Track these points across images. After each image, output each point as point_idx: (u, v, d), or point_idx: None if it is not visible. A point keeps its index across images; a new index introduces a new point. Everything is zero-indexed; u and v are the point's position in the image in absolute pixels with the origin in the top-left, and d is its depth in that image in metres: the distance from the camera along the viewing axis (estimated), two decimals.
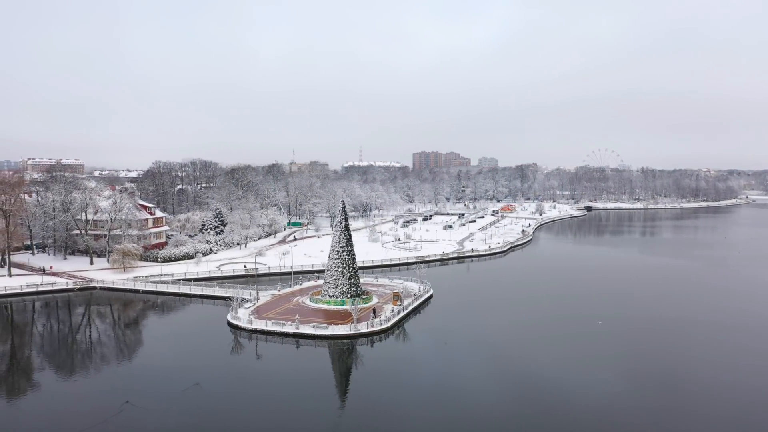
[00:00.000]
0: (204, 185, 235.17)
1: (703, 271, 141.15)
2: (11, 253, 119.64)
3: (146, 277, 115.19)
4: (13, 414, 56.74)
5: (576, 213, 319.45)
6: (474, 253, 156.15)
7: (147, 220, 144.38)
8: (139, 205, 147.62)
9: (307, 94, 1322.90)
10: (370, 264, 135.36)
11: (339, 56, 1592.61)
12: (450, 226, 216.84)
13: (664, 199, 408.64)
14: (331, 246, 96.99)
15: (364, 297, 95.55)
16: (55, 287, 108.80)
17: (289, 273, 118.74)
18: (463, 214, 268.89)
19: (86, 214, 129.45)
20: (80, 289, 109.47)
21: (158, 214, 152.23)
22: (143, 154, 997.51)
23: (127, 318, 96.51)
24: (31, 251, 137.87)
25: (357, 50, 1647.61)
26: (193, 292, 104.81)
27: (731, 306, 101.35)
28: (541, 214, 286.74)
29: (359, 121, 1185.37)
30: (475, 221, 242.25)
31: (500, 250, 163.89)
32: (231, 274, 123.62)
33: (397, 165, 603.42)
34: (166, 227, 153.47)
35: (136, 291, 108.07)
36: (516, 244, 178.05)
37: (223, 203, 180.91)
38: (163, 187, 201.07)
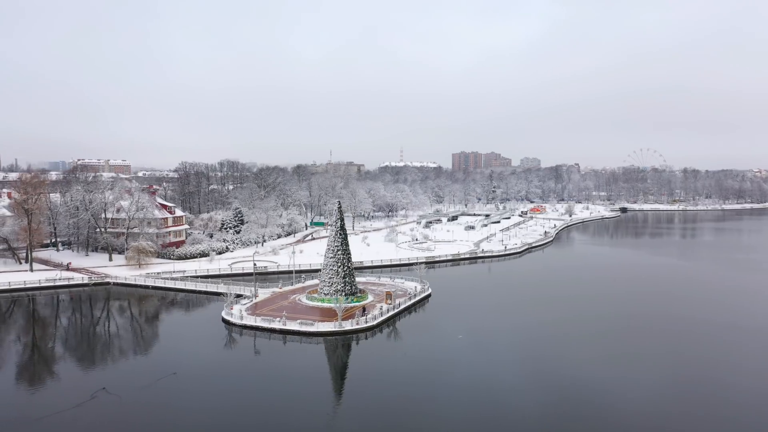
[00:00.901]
0: (231, 185, 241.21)
1: (733, 274, 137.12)
2: (36, 249, 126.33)
3: (158, 273, 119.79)
4: None
5: (608, 214, 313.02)
6: (486, 254, 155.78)
7: (166, 218, 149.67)
8: (160, 204, 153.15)
9: (348, 95, 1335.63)
10: (379, 264, 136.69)
11: (380, 57, 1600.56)
12: (472, 227, 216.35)
13: (705, 201, 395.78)
14: (327, 245, 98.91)
15: (359, 295, 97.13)
16: (71, 282, 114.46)
17: (300, 271, 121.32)
18: (489, 215, 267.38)
19: (105, 213, 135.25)
20: (95, 284, 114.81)
21: (178, 213, 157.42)
22: (188, 154, 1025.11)
23: (130, 312, 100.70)
24: (55, 248, 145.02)
25: (397, 51, 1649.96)
26: (197, 288, 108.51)
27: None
28: (570, 216, 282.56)
29: (400, 122, 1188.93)
30: (499, 222, 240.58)
31: (515, 251, 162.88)
32: (240, 271, 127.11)
33: (433, 165, 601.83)
34: (185, 226, 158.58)
35: (146, 287, 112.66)
36: (534, 245, 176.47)
37: (245, 203, 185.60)
38: (189, 186, 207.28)
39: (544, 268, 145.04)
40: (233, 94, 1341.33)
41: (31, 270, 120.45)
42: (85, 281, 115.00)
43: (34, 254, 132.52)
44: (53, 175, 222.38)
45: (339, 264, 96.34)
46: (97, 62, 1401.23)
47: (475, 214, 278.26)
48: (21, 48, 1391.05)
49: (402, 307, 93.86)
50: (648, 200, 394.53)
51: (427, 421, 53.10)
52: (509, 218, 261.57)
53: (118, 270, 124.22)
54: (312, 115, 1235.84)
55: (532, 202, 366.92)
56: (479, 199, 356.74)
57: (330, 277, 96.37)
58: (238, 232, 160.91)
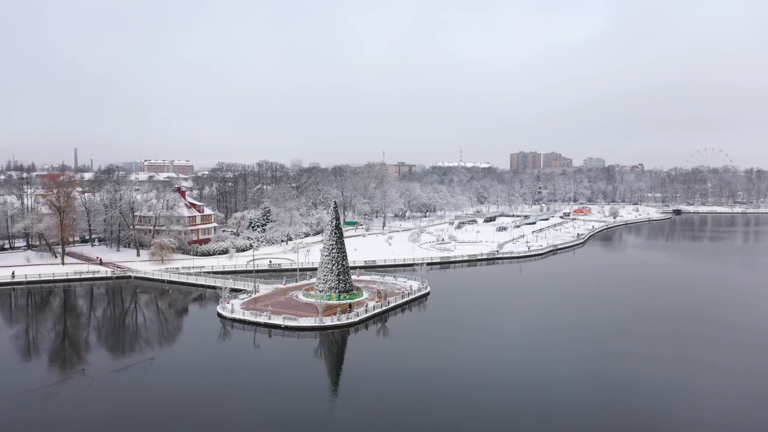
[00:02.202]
0: (269, 185, 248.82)
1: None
2: (70, 244, 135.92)
3: (177, 269, 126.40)
4: None
5: (658, 216, 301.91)
6: (505, 255, 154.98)
7: (194, 217, 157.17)
8: (189, 203, 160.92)
9: (407, 95, 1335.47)
10: (392, 263, 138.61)
11: (437, 56, 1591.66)
12: (504, 228, 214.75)
13: None
14: (323, 244, 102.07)
15: (353, 293, 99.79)
16: (96, 275, 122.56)
17: (314, 269, 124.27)
18: (528, 216, 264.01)
19: (132, 211, 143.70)
20: (117, 278, 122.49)
21: (207, 212, 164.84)
22: (250, 155, 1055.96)
23: (139, 303, 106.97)
24: (90, 243, 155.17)
25: (456, 50, 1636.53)
26: (207, 283, 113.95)
27: None
28: (615, 217, 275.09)
29: (460, 122, 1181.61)
30: (534, 223, 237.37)
31: (537, 253, 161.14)
32: (256, 268, 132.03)
33: (485, 165, 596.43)
34: (214, 224, 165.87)
35: (163, 281, 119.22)
36: (559, 247, 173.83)
37: (277, 203, 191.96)
38: (225, 186, 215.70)
39: (557, 270, 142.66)
40: (298, 95, 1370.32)
41: (63, 263, 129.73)
42: (109, 275, 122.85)
43: (70, 249, 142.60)
44: (88, 175, 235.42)
45: (333, 262, 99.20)
46: (165, 68, 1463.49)
47: (515, 215, 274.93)
48: (90, 54, 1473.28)
49: (391, 305, 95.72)
50: (706, 202, 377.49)
51: (395, 416, 55.04)
52: (547, 219, 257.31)
53: (142, 265, 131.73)
54: (371, 116, 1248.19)
55: (582, 203, 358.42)
56: (524, 200, 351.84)
57: (325, 275, 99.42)
58: (264, 231, 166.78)
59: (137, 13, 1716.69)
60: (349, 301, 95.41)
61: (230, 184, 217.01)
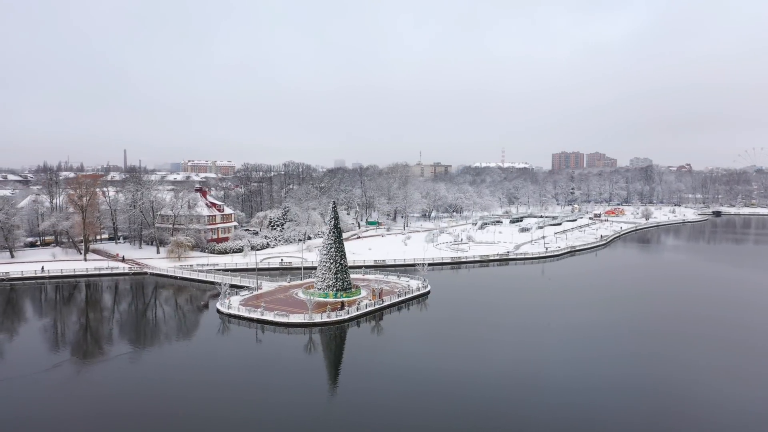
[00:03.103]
0: (298, 185, 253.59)
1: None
2: (97, 241, 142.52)
3: (191, 266, 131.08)
4: None
5: (694, 218, 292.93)
6: (518, 256, 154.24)
7: (214, 216, 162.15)
8: (210, 203, 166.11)
9: (450, 95, 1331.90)
10: (396, 263, 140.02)
11: (478, 55, 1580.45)
12: (527, 229, 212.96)
13: None
14: (322, 243, 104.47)
15: (350, 291, 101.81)
16: (114, 271, 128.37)
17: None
18: (556, 217, 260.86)
19: (153, 210, 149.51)
20: (134, 274, 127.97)
21: (227, 211, 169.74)
22: (292, 155, 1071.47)
23: (148, 297, 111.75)
24: (114, 241, 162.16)
25: (496, 49, 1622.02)
26: (215, 279, 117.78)
27: None
28: (647, 219, 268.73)
29: (503, 121, 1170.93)
30: (560, 224, 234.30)
31: (553, 254, 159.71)
32: (268, 266, 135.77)
33: (522, 166, 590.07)
34: (234, 223, 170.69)
35: (175, 277, 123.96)
36: (578, 248, 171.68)
37: (299, 202, 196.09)
38: (250, 186, 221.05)
39: (568, 272, 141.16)
40: (339, 95, 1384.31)
41: (85, 259, 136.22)
42: (126, 271, 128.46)
43: (96, 246, 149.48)
44: (114, 176, 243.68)
45: (331, 261, 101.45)
46: (208, 70, 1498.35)
47: (542, 216, 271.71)
48: (136, 58, 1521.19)
49: (385, 304, 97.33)
50: (750, 203, 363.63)
51: (377, 410, 57.04)
52: (575, 221, 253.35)
53: (160, 262, 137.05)
54: (413, 115, 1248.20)
55: (619, 204, 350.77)
56: (557, 201, 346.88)
57: (323, 273, 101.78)
58: (282, 230, 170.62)
59: (179, 17, 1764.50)
60: (342, 299, 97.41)
61: (255, 185, 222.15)
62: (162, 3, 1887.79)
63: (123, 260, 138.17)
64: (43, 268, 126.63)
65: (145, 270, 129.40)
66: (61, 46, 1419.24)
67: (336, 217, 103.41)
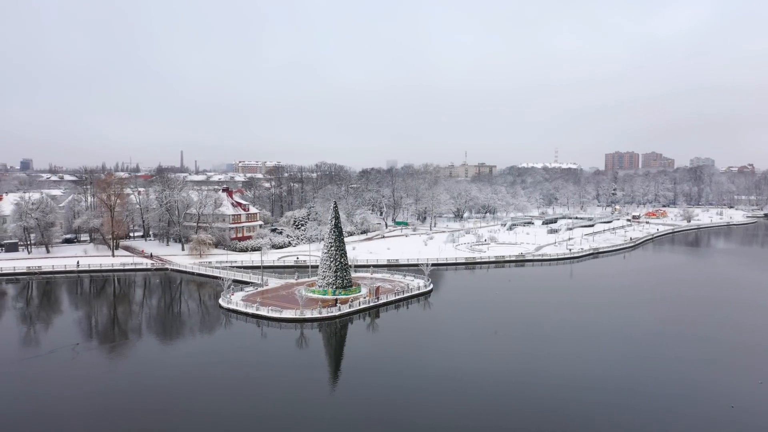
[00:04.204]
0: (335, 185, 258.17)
1: None
2: (128, 238, 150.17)
3: (210, 263, 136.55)
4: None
5: (741, 220, 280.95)
6: (536, 257, 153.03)
7: (239, 215, 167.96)
8: (236, 202, 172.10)
9: (502, 94, 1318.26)
10: (415, 262, 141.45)
11: (533, 52, 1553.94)
12: (556, 231, 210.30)
13: None
14: (324, 242, 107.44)
15: (349, 289, 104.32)
16: (138, 267, 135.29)
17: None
18: (591, 218, 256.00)
19: (178, 210, 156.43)
20: (156, 270, 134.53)
21: (252, 210, 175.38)
22: (344, 154, 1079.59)
23: (162, 292, 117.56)
24: (145, 238, 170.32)
25: (548, 45, 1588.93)
26: (227, 275, 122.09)
27: None
28: (688, 221, 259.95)
29: (557, 120, 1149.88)
30: (593, 225, 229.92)
31: (573, 255, 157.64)
32: (282, 264, 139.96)
33: (568, 166, 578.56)
34: (259, 222, 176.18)
35: (193, 273, 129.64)
36: (601, 250, 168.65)
37: (324, 202, 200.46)
38: (281, 187, 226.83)
39: (579, 273, 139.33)
40: (390, 95, 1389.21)
41: (113, 255, 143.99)
42: (148, 267, 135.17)
43: (126, 243, 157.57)
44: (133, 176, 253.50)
45: (332, 259, 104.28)
46: (263, 72, 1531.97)
47: (577, 218, 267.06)
48: (192, 61, 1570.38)
49: (380, 302, 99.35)
50: None
51: (358, 405, 59.59)
52: (610, 222, 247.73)
53: (182, 258, 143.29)
54: (462, 115, 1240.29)
55: (665, 206, 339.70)
56: (598, 202, 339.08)
57: (324, 271, 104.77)
58: (305, 230, 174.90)
59: (230, 20, 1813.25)
60: (337, 296, 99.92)
61: (293, 184, 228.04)
62: (213, 6, 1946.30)
63: (150, 257, 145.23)
64: (78, 263, 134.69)
65: (167, 266, 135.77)
66: (119, 53, 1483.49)
67: (337, 217, 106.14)
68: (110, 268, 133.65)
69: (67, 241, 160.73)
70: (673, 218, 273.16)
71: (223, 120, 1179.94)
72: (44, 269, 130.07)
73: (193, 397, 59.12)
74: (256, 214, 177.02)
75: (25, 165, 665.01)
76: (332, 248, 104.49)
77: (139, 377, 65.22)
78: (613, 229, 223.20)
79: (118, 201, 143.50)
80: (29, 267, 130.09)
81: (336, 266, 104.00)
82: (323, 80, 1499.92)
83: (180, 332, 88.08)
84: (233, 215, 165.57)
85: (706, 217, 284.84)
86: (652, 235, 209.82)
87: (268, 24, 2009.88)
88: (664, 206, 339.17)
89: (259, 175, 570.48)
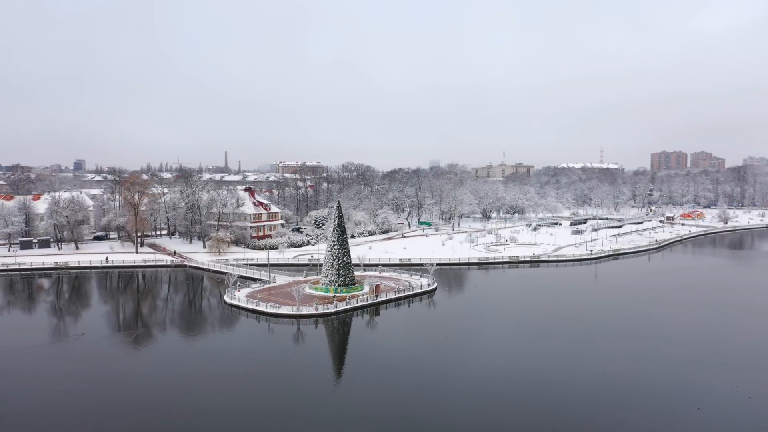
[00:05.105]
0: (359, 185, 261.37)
1: None
2: (153, 235, 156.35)
3: (226, 260, 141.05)
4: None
5: None
6: (551, 258, 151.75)
7: (260, 214, 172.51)
8: (257, 202, 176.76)
9: (543, 93, 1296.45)
10: (427, 262, 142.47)
11: (578, 49, 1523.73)
12: (581, 232, 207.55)
13: None
14: (328, 241, 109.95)
15: (351, 287, 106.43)
16: (159, 263, 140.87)
17: (357, 264, 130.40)
18: (622, 219, 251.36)
19: (200, 209, 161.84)
20: (175, 266, 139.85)
21: (273, 209, 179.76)
22: (388, 155, 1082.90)
23: (176, 287, 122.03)
24: (169, 236, 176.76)
25: (593, 42, 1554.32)
26: (239, 273, 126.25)
27: None
28: (725, 222, 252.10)
29: (600, 120, 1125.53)
30: (621, 226, 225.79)
31: (590, 257, 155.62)
32: (296, 262, 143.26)
33: (607, 166, 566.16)
34: (280, 221, 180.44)
35: (208, 270, 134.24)
36: (621, 252, 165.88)
37: (352, 203, 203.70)
38: (306, 187, 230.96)
39: (589, 273, 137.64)
40: (433, 95, 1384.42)
41: (137, 252, 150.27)
42: (168, 263, 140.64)
43: (152, 240, 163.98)
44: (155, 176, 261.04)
45: (334, 258, 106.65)
46: (305, 72, 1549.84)
47: (608, 218, 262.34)
48: (237, 64, 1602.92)
49: (379, 300, 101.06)
50: None
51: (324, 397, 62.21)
52: (641, 223, 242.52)
53: (202, 256, 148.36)
54: (503, 115, 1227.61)
55: (706, 206, 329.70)
56: (634, 203, 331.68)
57: (327, 270, 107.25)
58: (324, 229, 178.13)
59: (274, 22, 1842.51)
60: (336, 294, 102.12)
61: (310, 186, 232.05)
62: (258, 8, 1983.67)
63: (174, 254, 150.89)
64: (107, 259, 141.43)
65: (185, 263, 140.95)
66: (165, 57, 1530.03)
67: (340, 216, 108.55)
68: (132, 264, 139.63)
69: (98, 239, 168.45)
70: (710, 220, 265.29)
71: (269, 121, 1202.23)
72: (71, 264, 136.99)
73: (177, 391, 62.20)
74: (277, 213, 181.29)
75: (78, 165, 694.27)
76: (335, 247, 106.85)
77: (134, 373, 68.13)
78: (642, 230, 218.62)
79: (143, 200, 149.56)
80: (56, 262, 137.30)
81: (339, 264, 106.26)
82: (369, 80, 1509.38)
83: (181, 326, 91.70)
84: (254, 214, 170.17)
85: (745, 218, 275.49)
86: (681, 236, 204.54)
87: (311, 25, 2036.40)
88: (704, 207, 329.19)
89: (294, 175, 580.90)
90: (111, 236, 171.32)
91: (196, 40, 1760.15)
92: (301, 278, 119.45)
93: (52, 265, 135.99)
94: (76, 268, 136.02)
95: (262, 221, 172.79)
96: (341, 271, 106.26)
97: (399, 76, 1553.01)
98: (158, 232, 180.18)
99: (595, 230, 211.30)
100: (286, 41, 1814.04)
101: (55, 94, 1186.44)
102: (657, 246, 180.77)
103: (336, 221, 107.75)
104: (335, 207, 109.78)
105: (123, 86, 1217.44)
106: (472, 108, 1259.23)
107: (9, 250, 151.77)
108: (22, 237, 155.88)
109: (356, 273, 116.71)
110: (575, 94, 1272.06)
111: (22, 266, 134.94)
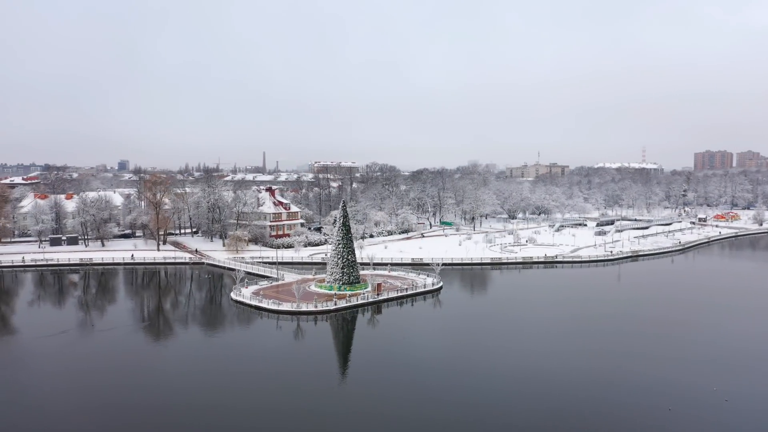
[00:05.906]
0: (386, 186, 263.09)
1: None
2: (176, 234, 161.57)
3: (242, 258, 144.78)
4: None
5: None
6: (566, 260, 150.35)
7: (280, 213, 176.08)
8: (277, 201, 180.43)
9: (587, 92, 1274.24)
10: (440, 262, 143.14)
11: (619, 45, 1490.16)
12: (604, 233, 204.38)
13: None
14: (332, 240, 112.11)
15: (356, 285, 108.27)
16: (177, 260, 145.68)
17: (367, 263, 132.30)
18: (650, 220, 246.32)
19: (220, 209, 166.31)
20: (193, 263, 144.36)
21: (293, 209, 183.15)
22: (427, 155, 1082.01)
23: (188, 282, 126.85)
24: (192, 234, 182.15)
25: (637, 38, 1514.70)
26: (252, 270, 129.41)
27: None
28: (760, 224, 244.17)
29: (646, 115, 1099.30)
30: (647, 228, 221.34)
31: (607, 258, 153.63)
32: (309, 260, 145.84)
33: (643, 166, 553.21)
34: (299, 220, 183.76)
35: (224, 267, 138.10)
36: (641, 253, 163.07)
37: (373, 203, 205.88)
38: (328, 187, 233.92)
39: (598, 274, 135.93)
40: (468, 95, 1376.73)
41: (158, 249, 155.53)
42: (187, 260, 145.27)
43: (174, 238, 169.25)
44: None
45: (339, 256, 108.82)
46: (344, 72, 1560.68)
47: (636, 219, 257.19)
48: (275, 66, 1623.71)
49: (380, 298, 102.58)
50: None
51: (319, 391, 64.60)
52: (669, 224, 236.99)
53: (221, 253, 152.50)
54: (540, 113, 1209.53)
55: (748, 208, 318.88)
56: (668, 203, 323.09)
57: (331, 268, 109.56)
58: None
59: (311, 21, 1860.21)
60: (334, 292, 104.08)
61: (334, 186, 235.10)
62: (299, 6, 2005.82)
63: (195, 252, 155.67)
64: (132, 256, 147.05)
65: (203, 260, 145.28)
66: (211, 58, 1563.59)
67: (345, 216, 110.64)
68: (152, 261, 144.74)
69: (124, 236, 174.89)
70: (745, 221, 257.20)
71: (308, 120, 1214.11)
72: (94, 261, 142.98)
73: (173, 384, 65.17)
74: (297, 212, 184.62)
75: (122, 166, 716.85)
76: (340, 246, 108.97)
77: (132, 366, 70.89)
78: (669, 232, 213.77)
79: (164, 199, 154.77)
80: (81, 259, 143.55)
81: (343, 263, 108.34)
82: (405, 79, 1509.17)
83: (184, 322, 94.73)
84: (273, 213, 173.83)
85: None
86: (709, 238, 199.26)
87: (347, 24, 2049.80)
88: (742, 209, 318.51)
89: (326, 175, 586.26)
90: (137, 234, 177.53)
91: (238, 42, 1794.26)
92: (310, 276, 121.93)
93: (77, 262, 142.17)
94: (99, 264, 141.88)
95: (281, 220, 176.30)
96: (345, 270, 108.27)
97: (435, 74, 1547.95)
98: (182, 231, 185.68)
99: (619, 231, 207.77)
100: (324, 40, 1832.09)
101: (99, 98, 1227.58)
102: (680, 248, 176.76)
103: (341, 221, 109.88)
104: (340, 207, 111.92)
105: (166, 88, 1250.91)
106: (509, 108, 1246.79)
107: (39, 247, 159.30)
108: (53, 234, 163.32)
109: (365, 272, 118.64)
110: (615, 86, 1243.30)
111: (50, 262, 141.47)
